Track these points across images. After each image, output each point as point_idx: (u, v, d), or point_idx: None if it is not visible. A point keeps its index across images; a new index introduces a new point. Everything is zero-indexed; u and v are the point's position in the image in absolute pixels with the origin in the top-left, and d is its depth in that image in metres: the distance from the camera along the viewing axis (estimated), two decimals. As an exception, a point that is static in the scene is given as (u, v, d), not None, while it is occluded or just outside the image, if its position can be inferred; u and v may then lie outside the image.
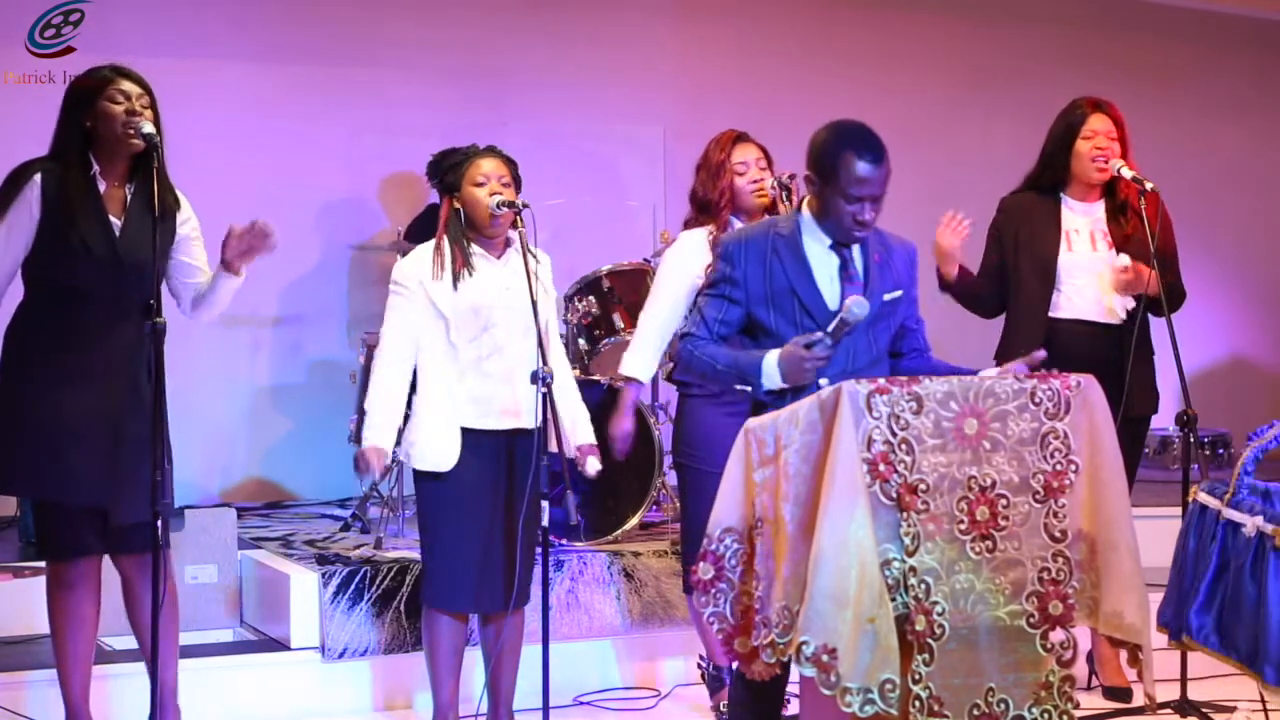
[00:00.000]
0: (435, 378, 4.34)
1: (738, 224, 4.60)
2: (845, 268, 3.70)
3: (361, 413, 5.74)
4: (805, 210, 3.73)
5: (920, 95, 7.86)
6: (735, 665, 4.03)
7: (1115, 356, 4.88)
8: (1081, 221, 5.00)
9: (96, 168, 4.07)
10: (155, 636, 3.91)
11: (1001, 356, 4.96)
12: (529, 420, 4.29)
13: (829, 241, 3.70)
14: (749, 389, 3.66)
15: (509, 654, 4.44)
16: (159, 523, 3.85)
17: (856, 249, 3.72)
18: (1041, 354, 3.62)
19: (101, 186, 4.08)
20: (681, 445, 4.68)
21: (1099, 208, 5.03)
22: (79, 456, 3.99)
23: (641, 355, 4.69)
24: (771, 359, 3.58)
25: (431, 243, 4.37)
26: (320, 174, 6.98)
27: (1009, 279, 5.04)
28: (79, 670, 4.16)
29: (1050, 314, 4.95)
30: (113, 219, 4.06)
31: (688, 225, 4.76)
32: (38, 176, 4.03)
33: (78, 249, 4.01)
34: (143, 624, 4.13)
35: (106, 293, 4.01)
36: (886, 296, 3.73)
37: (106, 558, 4.17)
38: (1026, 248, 4.98)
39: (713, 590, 3.46)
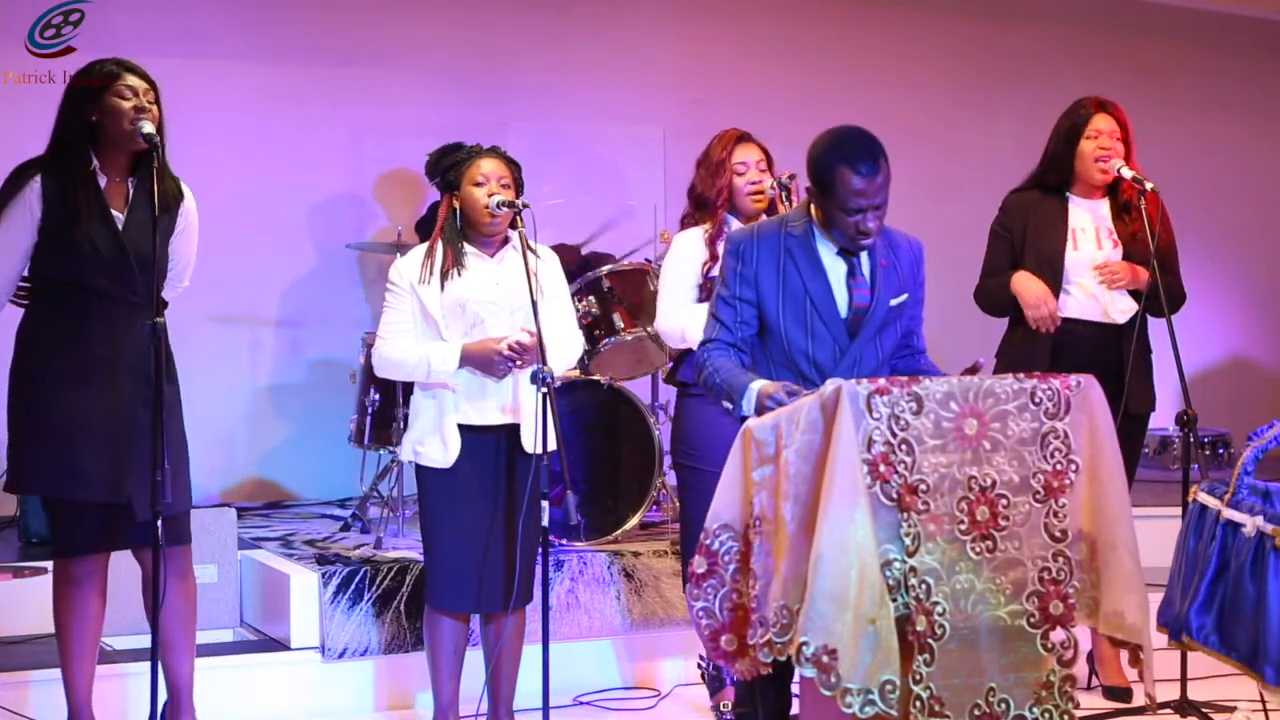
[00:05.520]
0: (432, 375, 4.35)
1: (735, 223, 4.60)
2: (853, 274, 3.70)
3: (362, 412, 5.78)
4: (814, 213, 3.73)
5: (922, 94, 7.85)
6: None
7: (1116, 357, 4.88)
8: (1087, 220, 4.99)
9: (96, 163, 4.06)
10: (156, 634, 3.93)
11: (1005, 356, 4.96)
12: (526, 416, 4.30)
13: (836, 247, 3.71)
14: (730, 407, 3.63)
15: (509, 654, 4.44)
16: (159, 523, 3.85)
17: (864, 254, 3.72)
18: (982, 361, 3.65)
19: (102, 181, 4.07)
20: (681, 445, 4.68)
21: (1104, 206, 5.02)
22: (92, 453, 3.99)
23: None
24: (754, 388, 3.55)
25: (427, 244, 4.39)
26: (320, 174, 6.98)
27: None
28: (83, 668, 4.17)
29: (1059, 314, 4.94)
30: (115, 214, 4.06)
31: (684, 222, 4.76)
32: (37, 177, 4.02)
33: (82, 245, 4.00)
34: (158, 621, 4.15)
35: (114, 288, 4.00)
36: (893, 301, 3.73)
37: (117, 554, 4.18)
38: (1033, 246, 4.96)
39: (704, 585, 3.46)
